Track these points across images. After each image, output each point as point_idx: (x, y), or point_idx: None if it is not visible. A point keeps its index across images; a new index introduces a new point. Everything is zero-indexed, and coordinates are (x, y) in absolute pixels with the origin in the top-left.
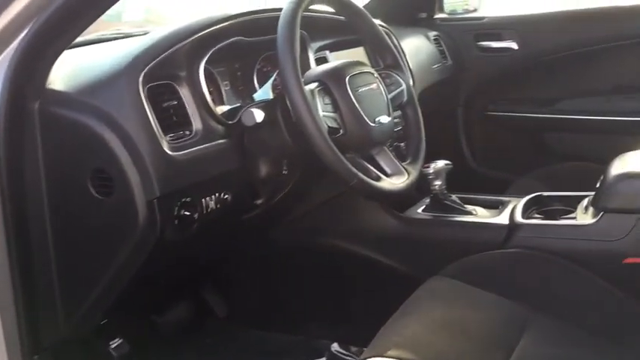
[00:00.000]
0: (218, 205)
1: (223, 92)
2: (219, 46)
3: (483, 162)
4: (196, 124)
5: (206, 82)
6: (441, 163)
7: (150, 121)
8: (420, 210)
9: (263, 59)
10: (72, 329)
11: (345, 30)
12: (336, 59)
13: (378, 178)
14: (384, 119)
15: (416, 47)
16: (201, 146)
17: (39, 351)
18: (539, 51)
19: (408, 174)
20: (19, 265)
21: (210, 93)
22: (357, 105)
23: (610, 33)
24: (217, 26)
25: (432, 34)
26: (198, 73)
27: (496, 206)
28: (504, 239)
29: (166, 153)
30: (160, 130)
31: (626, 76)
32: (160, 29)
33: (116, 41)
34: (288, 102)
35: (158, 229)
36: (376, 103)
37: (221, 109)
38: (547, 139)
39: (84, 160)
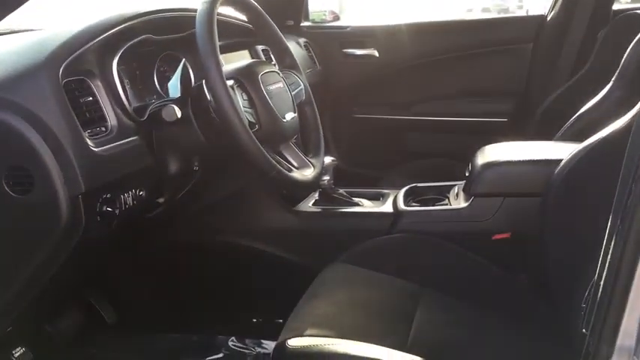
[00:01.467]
0: (135, 202)
1: (127, 90)
2: (131, 42)
3: (352, 161)
4: (111, 120)
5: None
6: (328, 159)
7: (72, 116)
8: (310, 204)
9: (161, 59)
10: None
11: (235, 33)
12: (225, 61)
13: (290, 170)
14: (290, 115)
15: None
16: (118, 142)
17: None
18: (396, 58)
19: (313, 167)
20: None
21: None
22: (269, 101)
23: (453, 44)
24: (130, 23)
25: (302, 40)
26: (111, 70)
27: (377, 198)
28: (390, 225)
29: (90, 148)
30: (79, 124)
31: (468, 82)
32: (72, 24)
33: (24, 34)
34: (209, 96)
35: (82, 226)
36: (284, 100)
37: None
38: (409, 139)
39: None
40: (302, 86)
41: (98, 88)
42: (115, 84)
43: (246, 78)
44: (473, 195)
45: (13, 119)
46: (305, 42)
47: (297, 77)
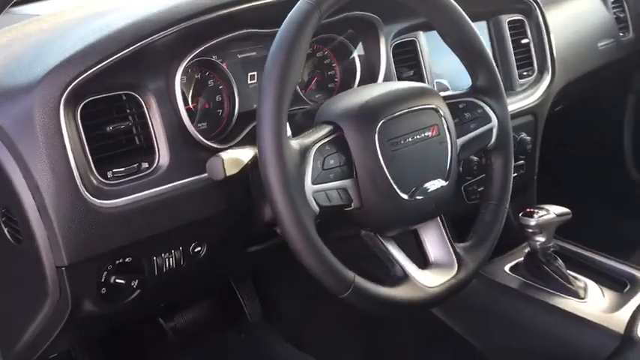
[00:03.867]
0: (183, 263)
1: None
2: (220, 39)
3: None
4: (163, 153)
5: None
6: (554, 211)
7: (66, 156)
8: (507, 268)
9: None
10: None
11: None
12: (428, 44)
13: (399, 279)
14: (435, 185)
15: (574, 16)
16: (163, 187)
17: None
18: None
19: (460, 265)
20: None
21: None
22: (385, 170)
23: None
24: (223, 11)
25: None
26: (174, 80)
27: (622, 283)
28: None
29: (89, 204)
30: (89, 166)
31: None
32: (116, 9)
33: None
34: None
35: (69, 302)
36: (427, 161)
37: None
38: None
39: None
40: (494, 124)
41: (151, 107)
42: (177, 101)
43: (351, 126)
44: None
45: None
46: None
47: (488, 109)
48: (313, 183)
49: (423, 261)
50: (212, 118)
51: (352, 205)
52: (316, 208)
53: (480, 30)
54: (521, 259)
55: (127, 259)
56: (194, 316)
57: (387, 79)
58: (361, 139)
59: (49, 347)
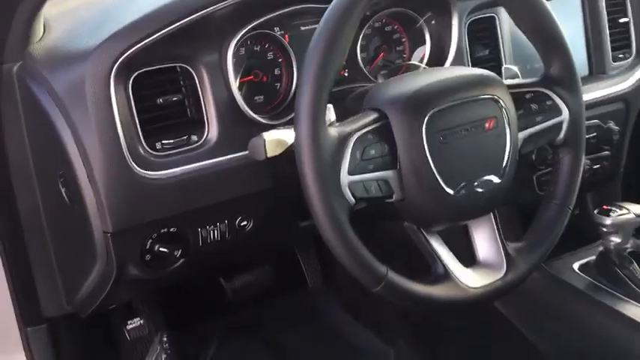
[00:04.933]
0: (228, 236)
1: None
2: (274, 14)
3: None
4: (212, 127)
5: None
6: (635, 211)
7: (115, 127)
8: (577, 266)
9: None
10: (76, 305)
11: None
12: (510, 22)
13: (439, 277)
14: (487, 182)
15: None
16: (212, 160)
17: (36, 322)
18: None
19: (509, 267)
20: (8, 234)
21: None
22: (431, 163)
23: None
24: None
25: None
26: (227, 54)
27: None
28: None
29: (135, 174)
30: (138, 137)
31: None
32: None
33: None
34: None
35: (114, 266)
36: (481, 155)
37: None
38: None
39: (52, 154)
40: (564, 117)
41: (203, 79)
42: (229, 74)
43: (397, 114)
44: None
45: (55, 113)
46: None
47: (559, 101)
48: (350, 173)
49: (470, 258)
50: (269, 91)
51: (394, 197)
52: (352, 200)
53: (573, 5)
54: (593, 257)
55: (171, 229)
56: (254, 278)
57: (457, 58)
58: (407, 129)
59: (104, 299)
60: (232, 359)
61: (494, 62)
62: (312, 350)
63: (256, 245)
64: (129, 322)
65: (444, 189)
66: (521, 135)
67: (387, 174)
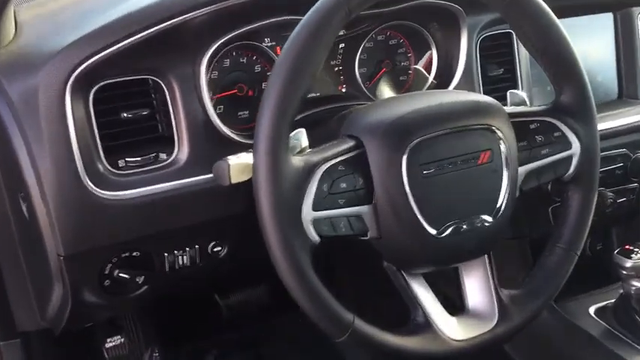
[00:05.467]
0: (200, 262)
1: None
2: (256, 25)
3: None
4: (182, 145)
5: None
6: None
7: (69, 143)
8: (593, 310)
9: None
10: (50, 321)
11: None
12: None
13: (418, 327)
14: (480, 222)
15: None
16: (181, 181)
17: (9, 337)
18: None
19: (501, 318)
20: None
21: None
22: (411, 199)
23: None
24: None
25: None
26: (200, 67)
27: None
28: None
29: (91, 194)
30: (97, 153)
31: None
32: None
33: None
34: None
35: (69, 290)
36: (471, 192)
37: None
38: None
39: (12, 168)
40: (574, 151)
41: (173, 95)
42: (203, 89)
43: (374, 143)
44: None
45: (9, 121)
46: None
47: (569, 133)
48: (315, 209)
49: (459, 306)
50: (255, 106)
51: (368, 234)
52: (316, 238)
53: (605, 23)
54: (612, 301)
55: (134, 254)
56: (250, 296)
57: (465, 76)
58: (385, 160)
59: (72, 320)
60: None
61: (508, 82)
62: None
63: (234, 271)
64: (108, 340)
65: (425, 229)
66: (523, 170)
67: (361, 209)
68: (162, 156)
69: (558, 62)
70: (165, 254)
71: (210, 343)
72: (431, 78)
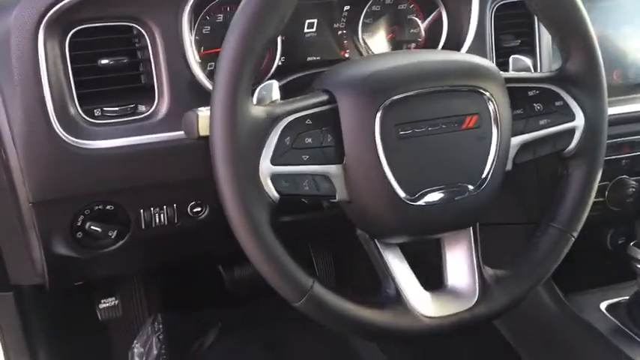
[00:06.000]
0: (177, 222)
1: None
2: None
3: None
4: (162, 97)
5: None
6: None
7: (40, 86)
8: (604, 305)
9: None
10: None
11: None
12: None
13: (388, 300)
14: (462, 190)
15: None
16: (159, 135)
17: (2, 289)
18: None
19: (483, 297)
20: None
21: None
22: (383, 161)
23: None
24: None
25: None
26: (183, 15)
27: None
28: None
29: (62, 141)
30: (72, 100)
31: None
32: None
33: None
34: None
35: (40, 239)
36: (453, 159)
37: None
38: None
39: None
40: (576, 123)
41: (154, 44)
42: (184, 39)
43: (348, 97)
44: None
45: None
46: None
47: (573, 104)
48: (274, 163)
49: (438, 281)
50: None
51: (337, 196)
52: (275, 195)
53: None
54: (626, 298)
55: (107, 207)
56: (255, 271)
57: (476, 46)
58: (357, 117)
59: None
60: (230, 350)
61: (526, 55)
62: (314, 350)
63: (224, 238)
64: (102, 301)
65: (396, 193)
66: (517, 140)
67: (328, 168)
68: (142, 108)
69: (566, 24)
70: (141, 210)
71: (214, 315)
72: (440, 45)
